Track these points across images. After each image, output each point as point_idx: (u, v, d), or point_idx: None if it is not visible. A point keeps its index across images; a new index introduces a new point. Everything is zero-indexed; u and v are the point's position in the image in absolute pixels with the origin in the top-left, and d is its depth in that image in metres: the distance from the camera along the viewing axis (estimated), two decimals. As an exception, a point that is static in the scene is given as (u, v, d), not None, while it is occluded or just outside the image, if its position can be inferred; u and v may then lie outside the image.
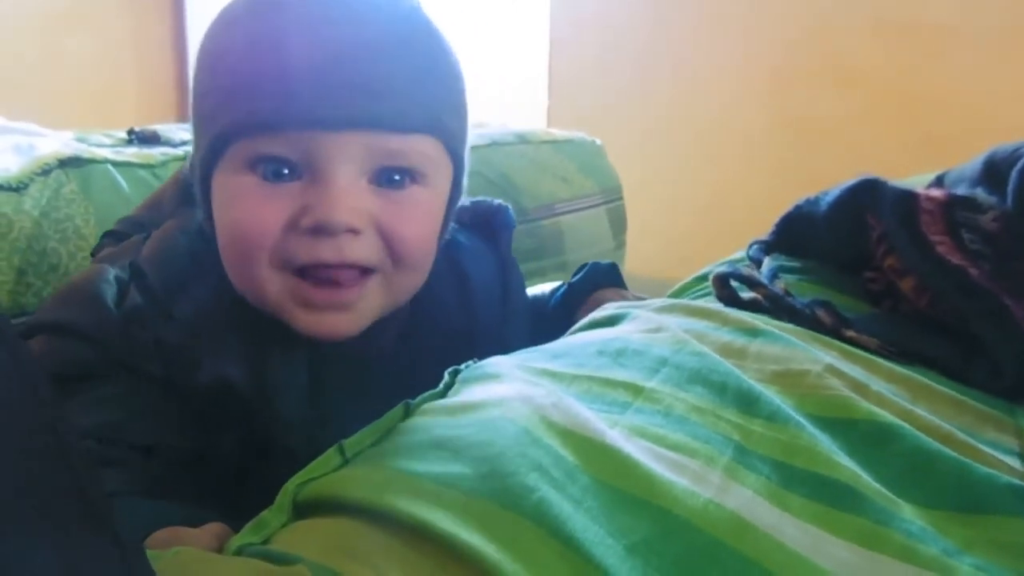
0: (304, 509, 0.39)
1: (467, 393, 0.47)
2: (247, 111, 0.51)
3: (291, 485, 0.40)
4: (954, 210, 0.64)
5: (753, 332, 0.53)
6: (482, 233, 0.68)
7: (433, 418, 0.45)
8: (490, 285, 0.66)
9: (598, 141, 1.84)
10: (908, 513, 0.40)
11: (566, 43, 2.66)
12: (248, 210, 0.52)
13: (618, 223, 1.74)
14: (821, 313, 0.57)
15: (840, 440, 0.44)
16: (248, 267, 0.52)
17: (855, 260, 0.68)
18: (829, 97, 2.20)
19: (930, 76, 2.11)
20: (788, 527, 0.38)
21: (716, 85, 2.39)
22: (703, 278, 0.70)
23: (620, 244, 1.76)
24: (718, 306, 0.58)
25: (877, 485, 0.41)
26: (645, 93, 2.53)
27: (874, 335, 0.55)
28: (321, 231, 0.50)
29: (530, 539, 0.33)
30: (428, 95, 0.54)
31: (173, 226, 0.60)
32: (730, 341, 0.52)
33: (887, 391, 0.48)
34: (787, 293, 0.59)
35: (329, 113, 0.49)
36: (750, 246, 0.72)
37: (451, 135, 0.56)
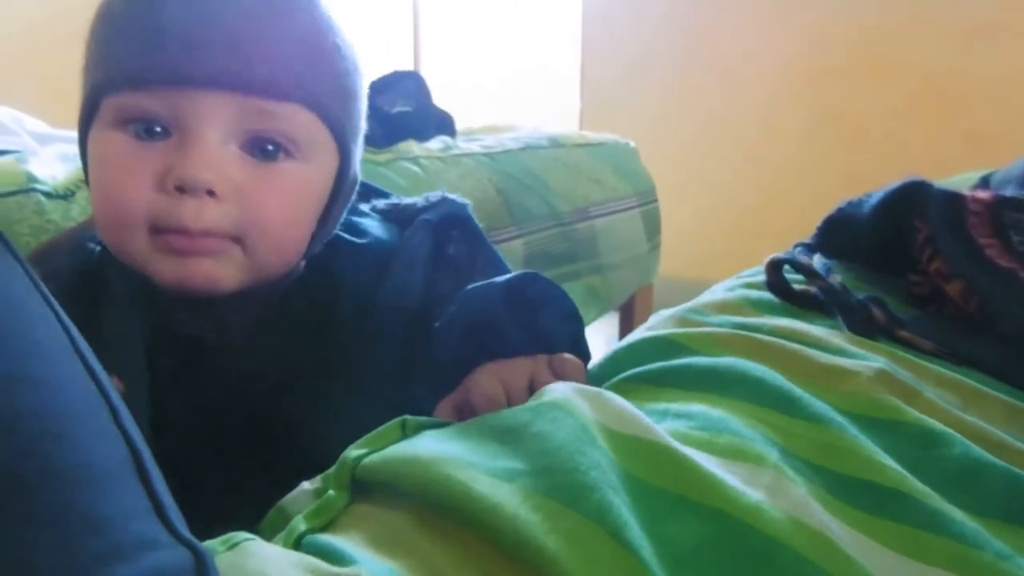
0: (363, 485, 0.39)
1: None
2: (116, 67, 0.51)
3: (350, 457, 0.40)
4: (1002, 211, 0.63)
5: (798, 338, 0.53)
6: (404, 228, 0.64)
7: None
8: (360, 285, 0.60)
9: (632, 143, 1.83)
10: (958, 515, 0.39)
11: (598, 44, 2.65)
12: (119, 169, 0.52)
13: (652, 226, 1.74)
14: (876, 311, 0.56)
15: (885, 442, 0.43)
16: (119, 226, 0.52)
17: (899, 263, 0.67)
18: (868, 94, 2.17)
19: (971, 71, 2.08)
20: (838, 529, 0.37)
21: (751, 84, 2.37)
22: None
23: (654, 247, 1.76)
24: (763, 319, 0.58)
25: (925, 487, 0.40)
26: (678, 93, 2.51)
27: (927, 337, 0.54)
28: (182, 189, 0.50)
29: (589, 537, 0.33)
30: (301, 67, 0.53)
31: (86, 222, 0.61)
32: (770, 342, 0.51)
33: (938, 397, 0.47)
34: (844, 287, 0.59)
35: (195, 70, 0.49)
36: (794, 248, 0.71)
37: (331, 114, 0.55)
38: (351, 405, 0.56)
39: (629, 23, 2.58)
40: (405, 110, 1.54)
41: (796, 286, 0.64)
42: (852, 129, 2.21)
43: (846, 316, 0.57)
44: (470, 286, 0.55)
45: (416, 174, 1.36)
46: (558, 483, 0.35)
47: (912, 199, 0.67)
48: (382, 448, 0.41)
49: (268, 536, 0.40)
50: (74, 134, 1.15)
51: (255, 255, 0.53)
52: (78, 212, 0.93)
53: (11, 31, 3.07)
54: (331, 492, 0.39)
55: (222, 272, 0.52)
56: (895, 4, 2.13)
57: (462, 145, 1.52)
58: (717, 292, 0.67)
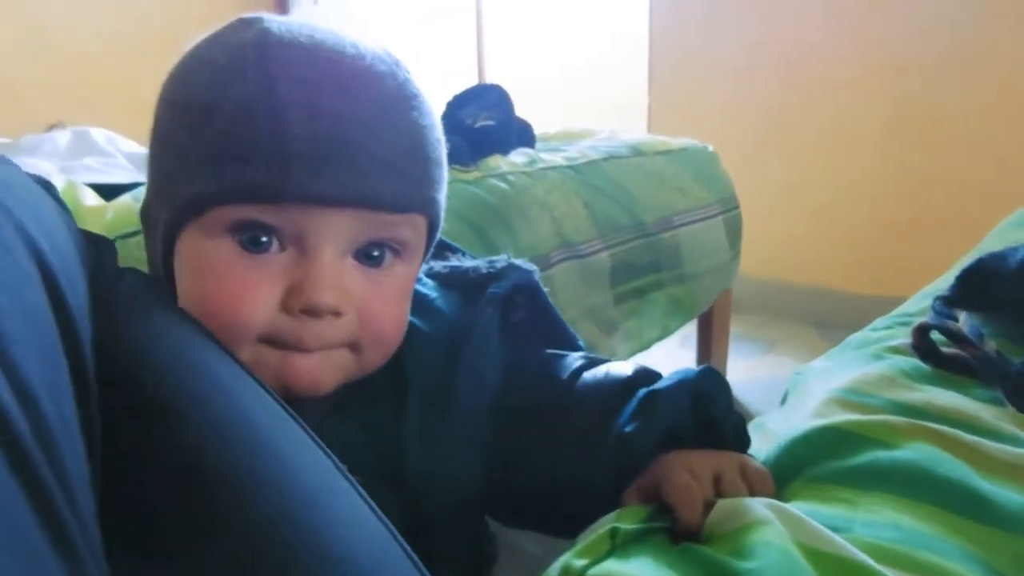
0: None
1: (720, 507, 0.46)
2: (235, 179, 0.48)
3: (574, 567, 0.41)
4: None
5: (972, 423, 0.52)
6: (468, 298, 0.63)
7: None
8: (431, 375, 0.58)
9: (710, 147, 1.81)
10: None
11: (666, 40, 2.61)
12: (234, 283, 0.50)
13: (734, 233, 1.72)
14: (1038, 381, 0.55)
15: None
16: (226, 338, 0.49)
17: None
18: (952, 91, 2.10)
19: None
20: None
21: (827, 78, 2.31)
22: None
23: (736, 254, 1.74)
24: (924, 394, 0.57)
25: None
26: (750, 89, 2.46)
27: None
28: (308, 312, 0.50)
29: None
30: (421, 172, 0.53)
31: None
32: (949, 435, 0.51)
33: None
34: (1000, 355, 0.58)
35: (324, 189, 0.48)
36: (933, 302, 0.71)
37: (435, 212, 0.56)
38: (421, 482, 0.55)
39: (698, 16, 2.54)
40: (488, 123, 1.54)
41: (943, 348, 0.64)
42: (935, 127, 2.13)
43: (1008, 390, 0.57)
44: (655, 387, 0.54)
45: (505, 191, 1.37)
46: None
47: (1062, 255, 0.65)
48: (599, 560, 0.41)
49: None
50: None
51: (364, 359, 0.54)
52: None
53: (97, 50, 3.14)
54: None
55: (326, 374, 0.52)
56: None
57: (545, 157, 1.52)
58: (860, 355, 0.66)
